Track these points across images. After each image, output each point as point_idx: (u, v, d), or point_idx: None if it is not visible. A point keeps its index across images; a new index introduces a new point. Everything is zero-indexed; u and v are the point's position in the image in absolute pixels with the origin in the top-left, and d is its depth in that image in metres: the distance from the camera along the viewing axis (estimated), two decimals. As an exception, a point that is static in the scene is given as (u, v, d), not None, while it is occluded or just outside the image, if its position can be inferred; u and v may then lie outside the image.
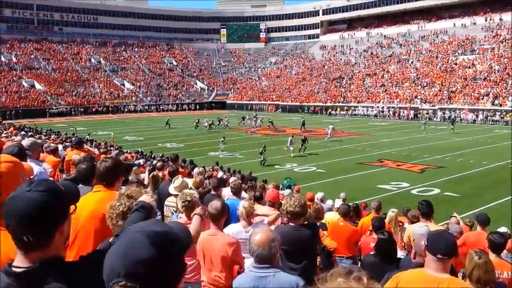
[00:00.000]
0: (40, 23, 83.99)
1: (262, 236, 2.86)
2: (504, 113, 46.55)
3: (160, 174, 8.28)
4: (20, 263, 1.44)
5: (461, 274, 3.71)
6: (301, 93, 71.20)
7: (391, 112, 55.93)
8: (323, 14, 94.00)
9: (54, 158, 7.41)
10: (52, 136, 23.02)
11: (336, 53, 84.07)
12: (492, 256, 4.14)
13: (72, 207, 1.63)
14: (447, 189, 18.00)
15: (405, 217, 7.82)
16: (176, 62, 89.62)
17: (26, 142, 6.08)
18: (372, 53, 77.32)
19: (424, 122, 42.48)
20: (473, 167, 22.70)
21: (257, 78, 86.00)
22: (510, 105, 47.62)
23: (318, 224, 6.35)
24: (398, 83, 63.35)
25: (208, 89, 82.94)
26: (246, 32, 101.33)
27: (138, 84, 77.24)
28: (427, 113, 52.31)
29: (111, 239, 2.14)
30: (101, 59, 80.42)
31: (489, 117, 47.23)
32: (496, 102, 49.54)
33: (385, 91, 62.27)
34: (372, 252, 5.00)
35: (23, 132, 17.42)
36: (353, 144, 31.00)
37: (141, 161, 14.58)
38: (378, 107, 58.50)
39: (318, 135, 37.08)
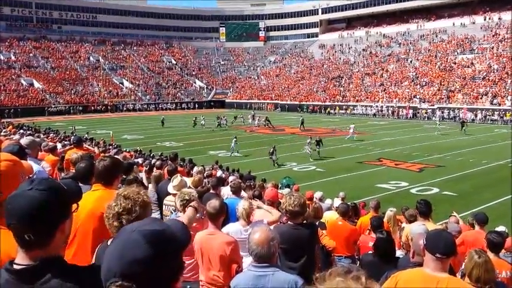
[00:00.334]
0: (39, 21, 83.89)
1: (261, 235, 2.85)
2: (503, 112, 46.59)
3: (157, 173, 8.27)
4: (21, 260, 1.44)
5: (460, 273, 3.71)
6: (300, 92, 71.22)
7: (390, 111, 55.94)
8: (322, 13, 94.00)
9: (53, 156, 7.41)
10: (51, 135, 22.99)
11: (335, 52, 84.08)
12: (491, 255, 4.13)
13: (74, 205, 1.64)
14: (446, 188, 18.00)
15: (404, 216, 7.82)
16: (175, 60, 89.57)
17: (24, 141, 6.07)
18: (371, 52, 77.33)
19: (437, 123, 39.79)
20: (473, 166, 22.71)
21: (256, 77, 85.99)
22: (509, 105, 47.66)
23: (317, 223, 6.35)
24: (397, 82, 63.37)
25: (207, 87, 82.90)
26: (245, 30, 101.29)
27: (137, 82, 77.20)
28: (425, 113, 52.43)
29: (109, 242, 2.14)
30: (100, 57, 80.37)
31: (488, 117, 47.25)
32: (495, 101, 49.59)
33: (384, 90, 62.29)
34: (370, 252, 5.00)
35: (21, 131, 17.42)
36: (353, 144, 31.01)
37: (140, 160, 14.55)
38: (376, 106, 58.51)
39: (317, 134, 37.05)
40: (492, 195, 16.70)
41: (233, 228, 4.60)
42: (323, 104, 64.39)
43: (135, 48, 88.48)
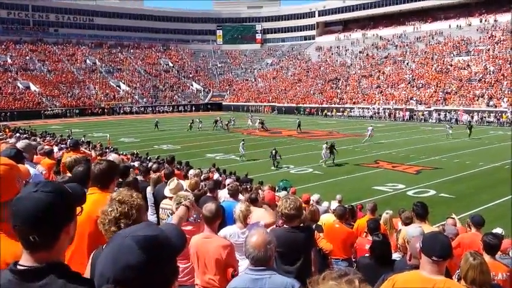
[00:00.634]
0: (35, 24, 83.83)
1: (258, 238, 2.85)
2: (500, 114, 46.76)
3: (155, 176, 8.25)
4: (26, 262, 1.46)
5: (456, 276, 3.71)
6: (297, 94, 71.30)
7: (386, 113, 56.04)
8: (319, 15, 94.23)
9: (49, 160, 7.40)
10: (47, 138, 22.92)
11: (332, 54, 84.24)
12: (487, 257, 4.14)
13: (78, 208, 1.66)
14: (443, 190, 18.04)
15: (400, 219, 7.83)
16: (172, 63, 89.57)
17: (20, 144, 6.06)
18: (367, 54, 77.51)
19: (448, 127, 36.28)
20: (469, 168, 22.78)
21: (253, 80, 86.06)
22: (505, 106, 47.84)
23: (314, 226, 6.35)
24: (393, 84, 63.52)
25: (204, 90, 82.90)
26: (242, 33, 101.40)
27: (133, 85, 77.13)
28: (422, 115, 52.58)
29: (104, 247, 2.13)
30: (97, 60, 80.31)
31: (484, 118, 47.39)
32: (491, 103, 49.75)
33: (381, 92, 62.42)
34: (367, 254, 5.00)
35: (17, 134, 17.37)
36: (350, 146, 31.05)
37: (136, 163, 14.53)
38: (373, 108, 58.62)
39: (314, 137, 37.11)
40: (489, 196, 16.74)
41: (230, 231, 4.59)
42: (320, 106, 64.47)
43: (131, 51, 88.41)
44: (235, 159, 26.25)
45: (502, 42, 61.79)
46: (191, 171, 10.30)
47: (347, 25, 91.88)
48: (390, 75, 66.64)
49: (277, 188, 13.34)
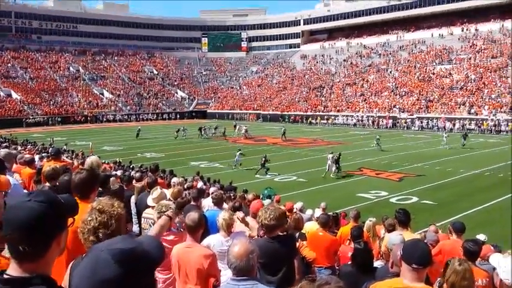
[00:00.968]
0: (18, 31, 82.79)
1: (241, 248, 2.84)
2: (481, 122, 47.56)
3: (139, 185, 8.18)
4: (13, 271, 1.45)
5: (437, 284, 3.74)
6: (282, 102, 71.55)
7: (370, 121, 56.57)
8: (304, 24, 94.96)
9: (29, 169, 7.28)
10: (28, 146, 22.57)
11: (317, 62, 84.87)
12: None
13: (70, 220, 1.65)
14: (425, 197, 18.24)
15: (383, 226, 7.88)
16: (157, 70, 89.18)
17: (0, 153, 5.96)
18: (351, 63, 78.28)
19: (445, 136, 35.55)
20: (450, 175, 23.10)
21: (238, 87, 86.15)
22: (486, 114, 48.68)
23: (298, 234, 6.35)
24: (377, 92, 64.19)
25: (189, 98, 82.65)
26: (227, 41, 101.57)
27: (117, 93, 76.52)
28: (405, 122, 53.20)
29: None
30: (80, 67, 79.48)
31: (465, 126, 48.14)
32: (472, 111, 50.59)
33: (365, 100, 63.00)
34: (349, 262, 5.02)
35: (-2, 143, 17.08)
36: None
37: (119, 172, 14.39)
38: (357, 116, 59.12)
39: (299, 144, 37.25)
40: (470, 203, 17.00)
41: (214, 240, 4.57)
42: (305, 114, 64.79)
43: (116, 58, 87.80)
44: (219, 167, 26.19)
45: (483, 51, 63.04)
46: (174, 179, 10.23)
47: (332, 34, 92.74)
48: (374, 83, 67.36)
49: (261, 196, 13.32)
